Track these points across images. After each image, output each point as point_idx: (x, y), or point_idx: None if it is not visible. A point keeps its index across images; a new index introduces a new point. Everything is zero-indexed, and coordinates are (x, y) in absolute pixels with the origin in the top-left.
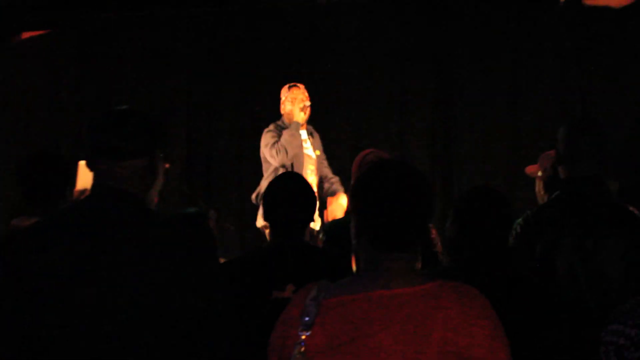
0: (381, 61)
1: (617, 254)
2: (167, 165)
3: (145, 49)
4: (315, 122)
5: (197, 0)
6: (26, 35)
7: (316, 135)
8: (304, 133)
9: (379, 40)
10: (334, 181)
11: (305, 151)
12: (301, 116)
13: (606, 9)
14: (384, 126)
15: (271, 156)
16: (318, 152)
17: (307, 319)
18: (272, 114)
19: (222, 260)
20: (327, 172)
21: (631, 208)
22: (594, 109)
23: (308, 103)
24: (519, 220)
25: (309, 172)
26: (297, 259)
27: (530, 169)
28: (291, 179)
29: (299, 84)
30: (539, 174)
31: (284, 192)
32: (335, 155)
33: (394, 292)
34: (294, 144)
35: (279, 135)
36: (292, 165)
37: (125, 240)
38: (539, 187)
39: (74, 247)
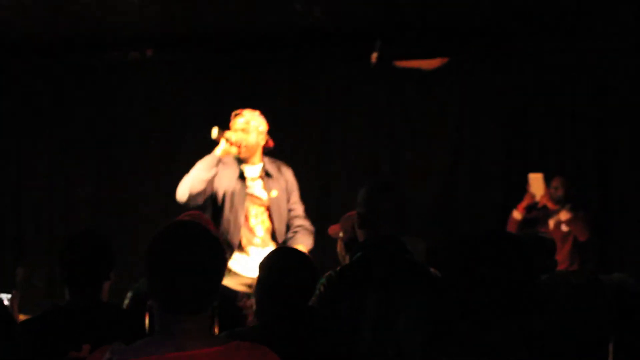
0: (190, 121)
1: (417, 313)
2: None
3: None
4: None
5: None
6: None
7: (283, 174)
8: (252, 169)
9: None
10: (298, 230)
11: (248, 190)
12: (231, 150)
13: (417, 71)
14: None
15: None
16: (274, 194)
17: None
18: None
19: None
20: (296, 219)
21: (432, 269)
22: (403, 168)
23: (243, 136)
24: (322, 280)
25: (251, 216)
26: (95, 319)
27: (332, 229)
28: (86, 235)
29: (245, 110)
30: (340, 234)
31: (78, 248)
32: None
33: (189, 354)
34: (203, 178)
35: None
36: (221, 204)
37: None
38: (340, 247)
39: None
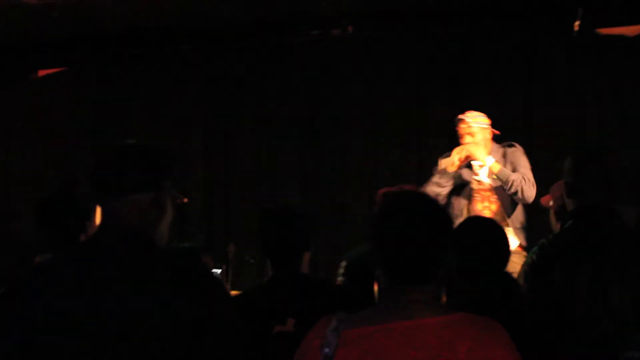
0: (396, 99)
1: (632, 283)
2: (185, 200)
3: (159, 85)
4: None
5: (209, 37)
6: (42, 72)
7: (507, 157)
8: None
9: (392, 77)
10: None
11: (474, 177)
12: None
13: (621, 37)
14: (400, 166)
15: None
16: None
17: (327, 350)
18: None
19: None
20: None
21: None
22: (610, 138)
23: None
24: (535, 248)
25: (477, 201)
26: (297, 293)
27: (544, 200)
28: (282, 209)
29: (467, 114)
30: (551, 203)
31: (277, 221)
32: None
33: (416, 323)
34: (438, 192)
35: None
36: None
37: (121, 280)
38: (552, 216)
39: (74, 286)
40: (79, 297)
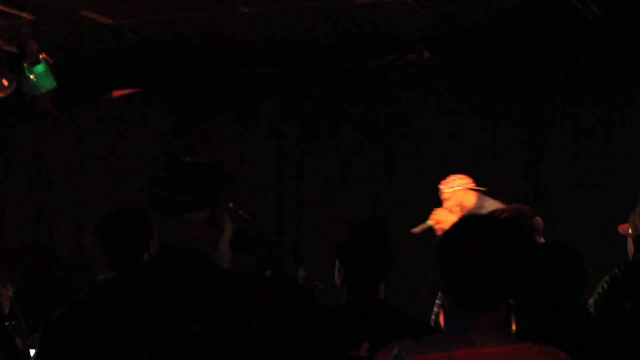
0: (469, 121)
1: None
2: (241, 212)
3: (233, 106)
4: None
5: (285, 58)
6: (117, 93)
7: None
8: None
9: (465, 100)
10: None
11: None
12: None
13: None
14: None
15: None
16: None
17: None
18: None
19: None
20: None
21: None
22: None
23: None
24: (606, 278)
25: None
26: (373, 317)
27: (622, 228)
28: (367, 230)
29: (443, 184)
30: (630, 231)
31: (357, 246)
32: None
33: (479, 352)
34: None
35: None
36: None
37: (185, 301)
38: (629, 244)
39: (137, 306)
40: (139, 317)
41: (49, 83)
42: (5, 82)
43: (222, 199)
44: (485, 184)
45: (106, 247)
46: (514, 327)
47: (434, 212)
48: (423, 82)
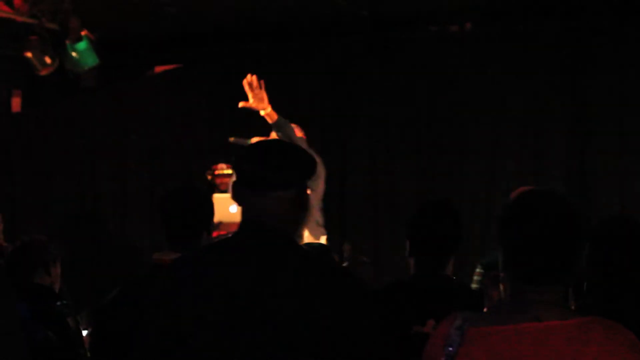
0: (512, 95)
1: None
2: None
3: (274, 80)
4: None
5: (324, 31)
6: (159, 69)
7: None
8: None
9: (509, 72)
10: None
11: None
12: None
13: None
14: (517, 166)
15: None
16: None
17: (450, 349)
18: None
19: None
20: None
21: None
22: None
23: None
24: None
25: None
26: (440, 294)
27: None
28: (436, 207)
29: None
30: None
31: (426, 221)
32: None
33: (545, 325)
34: None
35: None
36: None
37: (273, 279)
38: None
39: (221, 284)
40: (230, 295)
41: (91, 60)
42: (48, 60)
43: (307, 181)
44: (530, 159)
45: (168, 225)
46: (572, 303)
47: None
48: (466, 55)
